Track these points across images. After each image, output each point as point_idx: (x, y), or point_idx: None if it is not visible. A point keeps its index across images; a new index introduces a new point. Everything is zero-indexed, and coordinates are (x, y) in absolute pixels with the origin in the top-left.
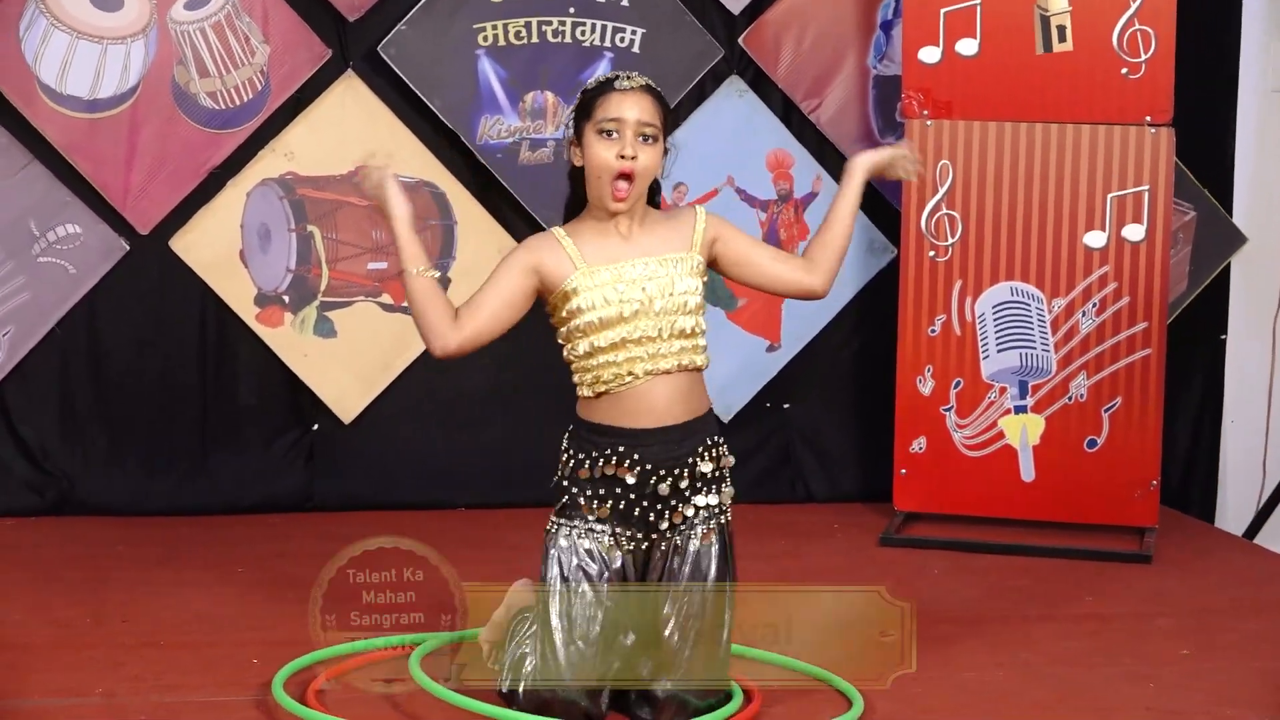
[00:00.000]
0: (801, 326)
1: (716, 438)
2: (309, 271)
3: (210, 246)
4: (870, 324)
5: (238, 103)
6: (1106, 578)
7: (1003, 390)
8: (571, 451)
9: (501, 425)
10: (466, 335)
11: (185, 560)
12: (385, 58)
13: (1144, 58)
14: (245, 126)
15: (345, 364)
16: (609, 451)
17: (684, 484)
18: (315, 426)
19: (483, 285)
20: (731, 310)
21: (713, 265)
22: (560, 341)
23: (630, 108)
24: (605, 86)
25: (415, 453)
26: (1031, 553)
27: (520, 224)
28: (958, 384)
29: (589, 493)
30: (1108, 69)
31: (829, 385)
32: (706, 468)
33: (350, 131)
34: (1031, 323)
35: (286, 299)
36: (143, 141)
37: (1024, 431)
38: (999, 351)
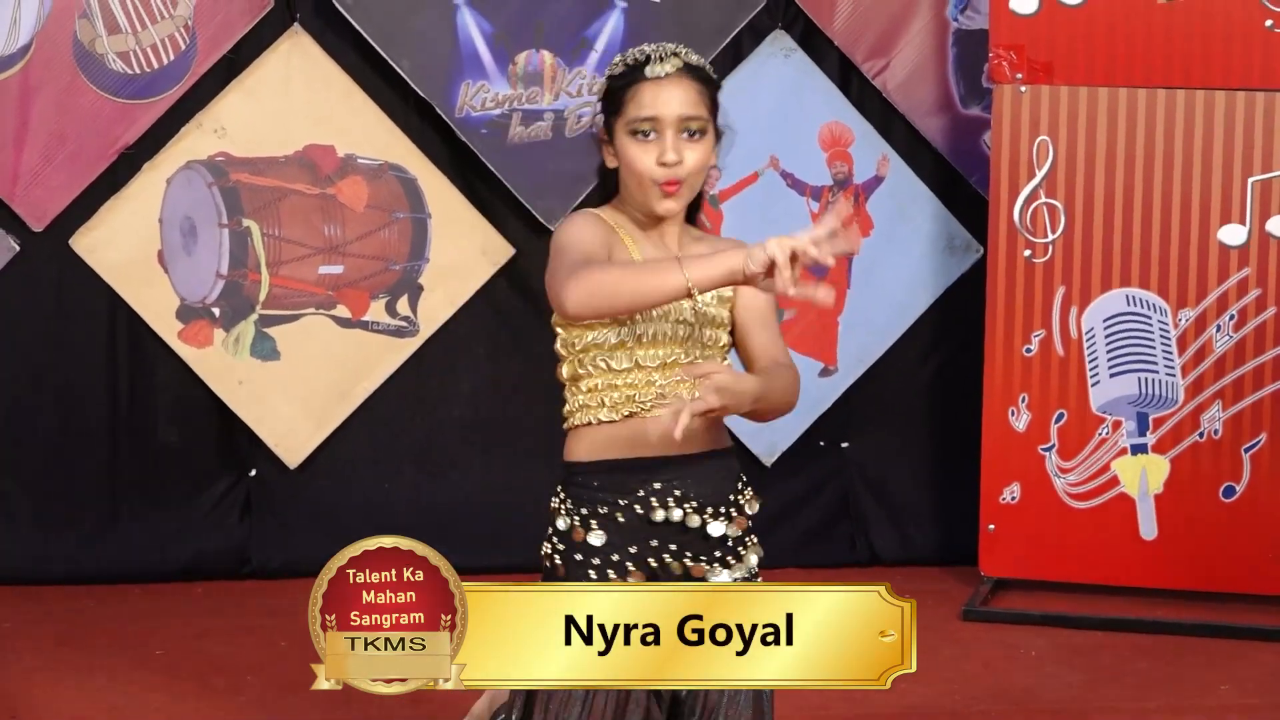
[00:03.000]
0: (864, 346)
1: (743, 477)
2: (245, 277)
3: (121, 246)
4: (949, 342)
5: (156, 65)
6: (1248, 660)
7: (1117, 425)
8: (574, 510)
9: (485, 469)
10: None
11: (91, 640)
12: (340, 8)
13: None
14: (165, 95)
15: (291, 394)
16: (642, 493)
17: (741, 525)
18: (253, 472)
19: (567, 250)
20: None
21: None
22: (562, 351)
23: (667, 101)
24: (634, 74)
25: (377, 505)
26: (1153, 629)
27: (510, 217)
28: (1060, 417)
29: (602, 561)
30: (1248, 20)
31: (898, 419)
32: (752, 509)
33: (296, 101)
34: (1153, 340)
35: (217, 312)
36: (36, 115)
37: (1144, 477)
38: (1112, 376)
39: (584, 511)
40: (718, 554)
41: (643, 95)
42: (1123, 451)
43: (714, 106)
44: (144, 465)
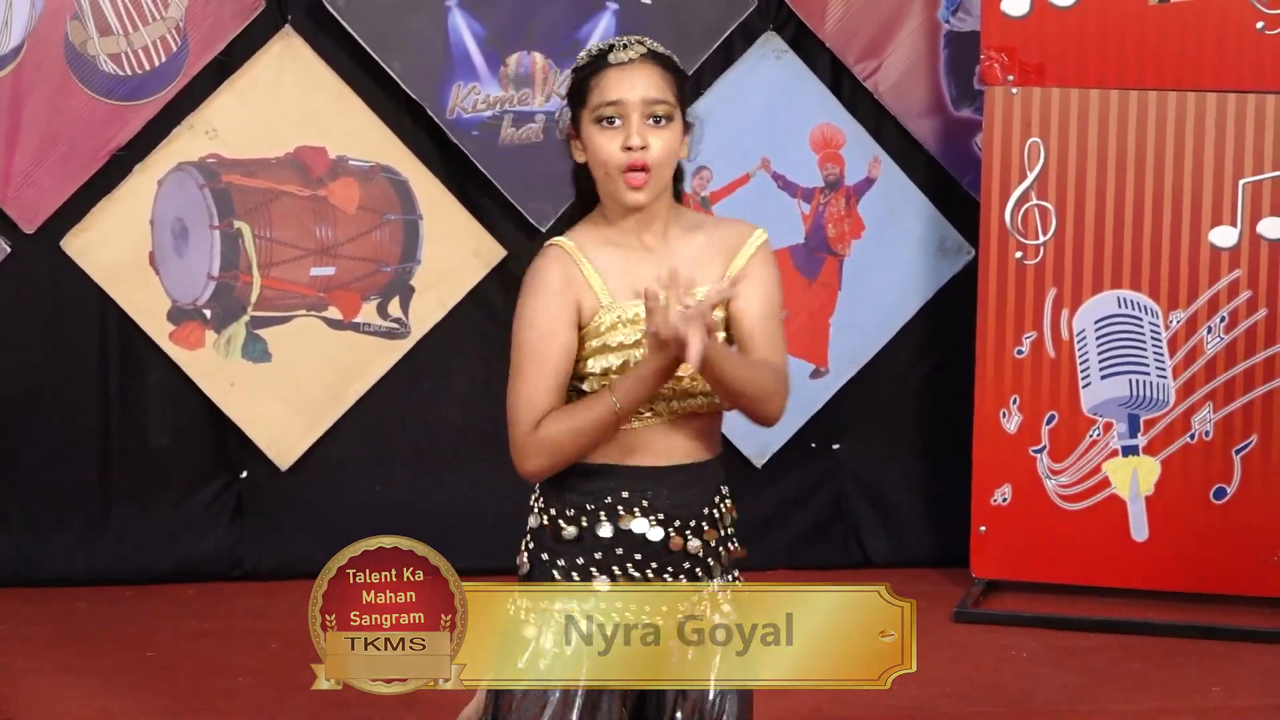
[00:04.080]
0: (855, 347)
1: (726, 486)
2: (236, 279)
3: (112, 248)
4: (941, 343)
5: (147, 67)
6: (1239, 662)
7: (1108, 427)
8: (555, 513)
9: (477, 471)
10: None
11: (83, 641)
12: (332, 10)
13: None
14: (157, 97)
15: (282, 395)
16: (609, 500)
17: (712, 541)
18: (244, 474)
19: (522, 368)
20: None
21: None
22: None
23: (631, 85)
24: (598, 63)
25: (369, 507)
26: (1144, 630)
27: (501, 219)
28: (1051, 419)
29: (566, 562)
30: (1240, 22)
31: (889, 420)
32: (727, 520)
33: (288, 103)
34: (1144, 342)
35: (208, 314)
36: (28, 116)
37: (1135, 478)
38: (1103, 378)
39: (553, 511)
40: (685, 567)
41: (606, 82)
42: (1114, 453)
43: (681, 95)
44: (136, 467)
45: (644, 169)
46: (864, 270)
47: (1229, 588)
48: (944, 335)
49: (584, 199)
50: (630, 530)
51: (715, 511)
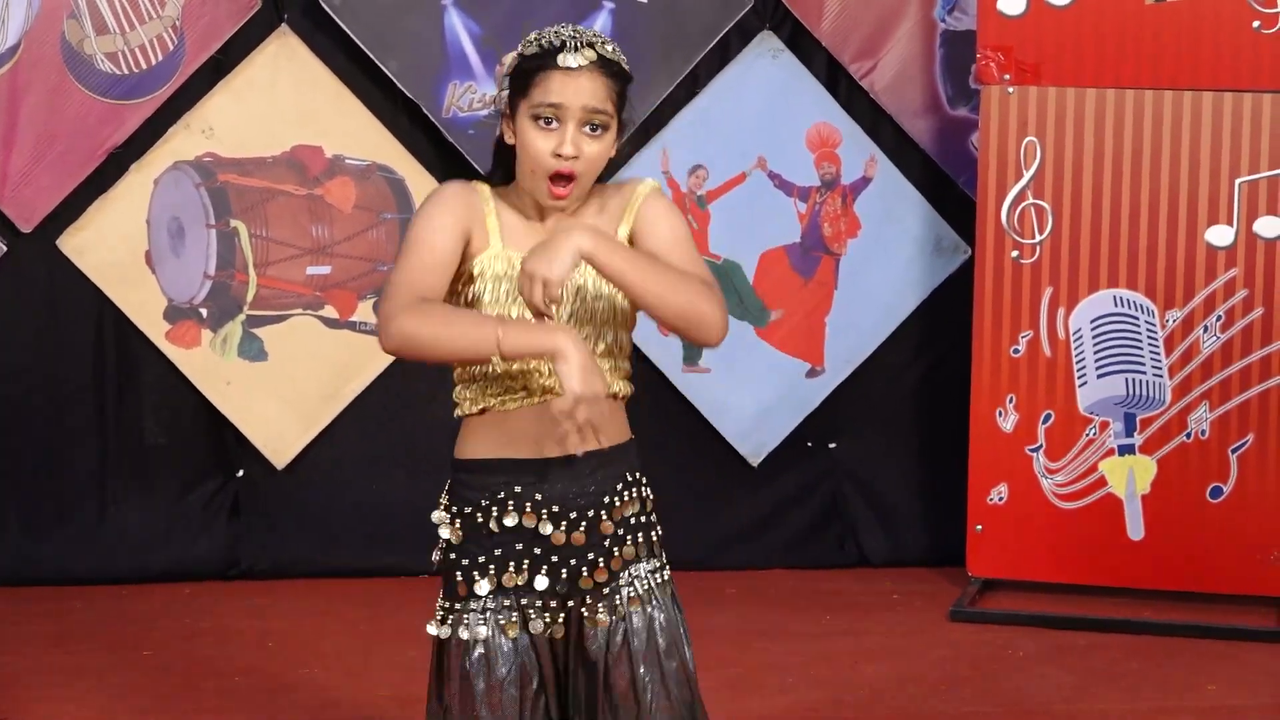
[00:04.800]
0: (851, 346)
1: (638, 473)
2: (232, 278)
3: (109, 247)
4: (937, 342)
5: (144, 66)
6: (1236, 661)
7: (1104, 426)
8: (455, 510)
9: None
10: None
11: (79, 641)
12: (328, 9)
13: None
14: (153, 96)
15: (278, 394)
16: (502, 495)
17: (606, 529)
18: (240, 473)
19: (409, 254)
20: (762, 326)
21: None
22: None
23: (575, 92)
24: (546, 59)
25: (366, 506)
26: (1141, 629)
27: None
28: (1047, 418)
29: (485, 559)
30: (1236, 21)
31: (886, 419)
32: (631, 509)
33: (284, 102)
34: (1140, 341)
35: (204, 313)
36: (25, 115)
37: (1131, 477)
38: (1100, 377)
39: (454, 509)
40: (589, 559)
41: (551, 82)
42: (1110, 452)
43: (621, 101)
44: (132, 466)
45: (570, 177)
46: (860, 269)
47: (1225, 587)
48: (940, 334)
49: (504, 172)
50: (523, 528)
51: (615, 499)
